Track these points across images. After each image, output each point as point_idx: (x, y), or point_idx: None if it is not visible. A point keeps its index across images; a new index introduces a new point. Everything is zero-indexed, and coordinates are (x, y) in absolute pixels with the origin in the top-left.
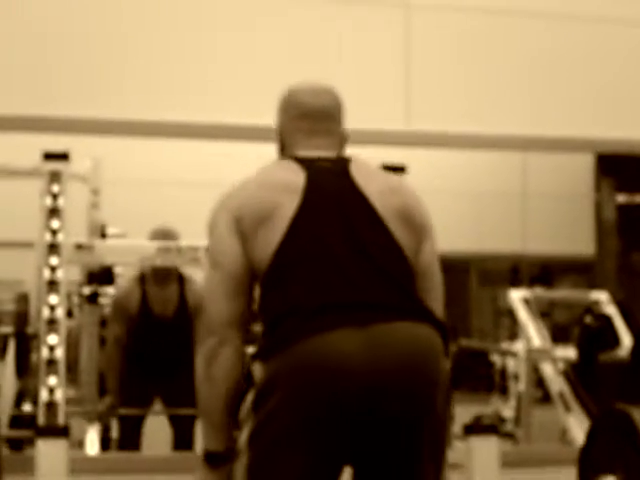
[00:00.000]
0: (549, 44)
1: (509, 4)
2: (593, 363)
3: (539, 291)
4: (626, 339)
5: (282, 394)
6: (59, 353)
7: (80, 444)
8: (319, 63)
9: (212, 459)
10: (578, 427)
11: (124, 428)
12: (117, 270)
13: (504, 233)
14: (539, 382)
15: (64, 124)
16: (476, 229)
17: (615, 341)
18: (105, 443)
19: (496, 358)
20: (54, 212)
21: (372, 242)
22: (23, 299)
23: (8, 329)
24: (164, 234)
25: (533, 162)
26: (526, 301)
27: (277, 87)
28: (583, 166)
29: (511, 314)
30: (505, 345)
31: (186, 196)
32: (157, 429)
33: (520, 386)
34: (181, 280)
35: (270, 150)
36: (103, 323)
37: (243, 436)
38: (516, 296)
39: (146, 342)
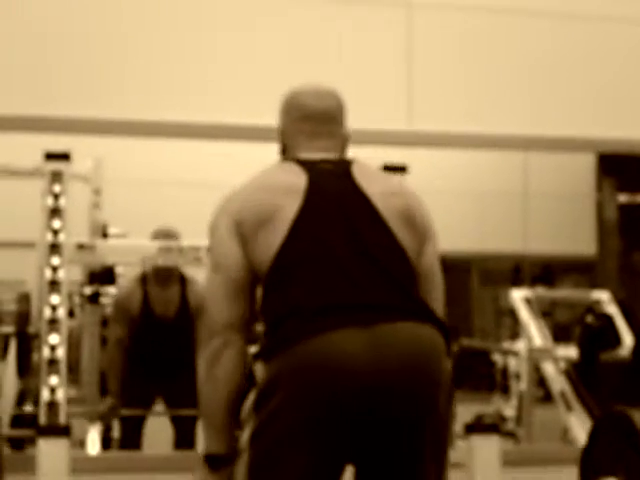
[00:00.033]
0: (551, 44)
1: (511, 3)
2: (594, 362)
3: (540, 291)
4: (627, 338)
5: (284, 394)
6: (60, 353)
7: (81, 444)
8: (320, 63)
9: (213, 461)
10: (579, 426)
11: (125, 428)
12: (118, 270)
13: (506, 233)
14: (540, 381)
15: (65, 124)
16: (477, 229)
17: (616, 340)
18: (106, 443)
19: (498, 357)
20: (55, 212)
21: (374, 243)
22: (24, 299)
23: (9, 329)
24: (165, 234)
25: (534, 162)
26: (527, 301)
27: (277, 87)
28: (585, 166)
29: (512, 314)
30: (507, 344)
31: (187, 196)
32: (158, 429)
33: (521, 385)
34: (183, 281)
35: (271, 150)
36: (104, 323)
37: (245, 436)
38: (517, 296)
39: (147, 343)
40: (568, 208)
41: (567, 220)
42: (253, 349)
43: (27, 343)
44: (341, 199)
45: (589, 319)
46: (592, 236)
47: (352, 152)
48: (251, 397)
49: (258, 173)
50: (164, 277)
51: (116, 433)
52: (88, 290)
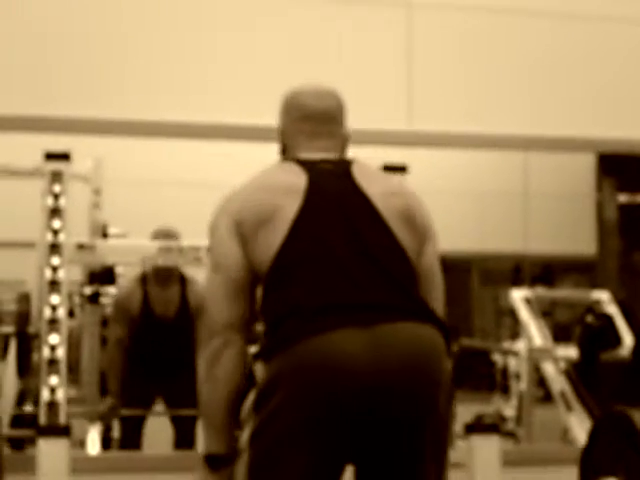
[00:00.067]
0: (550, 44)
1: (511, 3)
2: (594, 362)
3: (541, 290)
4: (627, 338)
5: (284, 394)
6: (60, 353)
7: (81, 444)
8: (320, 63)
9: (213, 461)
10: (579, 426)
11: (125, 428)
12: (118, 270)
13: (506, 233)
14: (540, 381)
15: (65, 124)
16: (478, 229)
17: (616, 340)
18: (106, 443)
19: (498, 357)
20: (55, 212)
21: (375, 243)
22: (24, 299)
23: (9, 329)
24: (165, 234)
25: (535, 162)
26: (528, 300)
27: (278, 87)
28: (585, 166)
29: (513, 313)
30: (507, 344)
31: (187, 196)
32: (158, 429)
33: (521, 385)
34: (183, 281)
35: (271, 150)
36: (104, 323)
37: (245, 435)
38: (518, 296)
39: (147, 343)
40: (568, 208)
41: (567, 220)
42: (253, 349)
43: (27, 343)
44: (341, 199)
45: (589, 319)
46: (592, 236)
47: (352, 152)
48: (251, 397)
49: (258, 173)
50: (164, 277)
51: (116, 433)
52: (88, 290)
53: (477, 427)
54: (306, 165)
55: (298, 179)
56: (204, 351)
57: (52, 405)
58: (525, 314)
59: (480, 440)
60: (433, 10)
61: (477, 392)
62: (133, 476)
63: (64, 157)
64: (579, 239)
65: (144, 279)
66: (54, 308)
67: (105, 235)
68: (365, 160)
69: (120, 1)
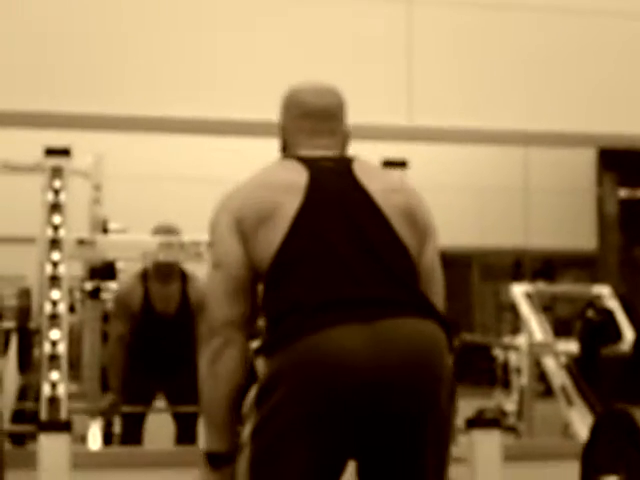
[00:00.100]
0: (550, 38)
1: None
2: (595, 357)
3: (541, 285)
4: (628, 333)
5: (286, 389)
6: (61, 348)
7: (82, 439)
8: (320, 58)
9: (214, 460)
10: (580, 421)
11: (126, 423)
12: (119, 265)
13: (506, 228)
14: (541, 376)
15: (66, 120)
16: (478, 224)
17: (617, 335)
18: (107, 438)
19: (498, 352)
20: (56, 207)
21: (376, 240)
22: (25, 294)
23: (10, 324)
24: (166, 230)
25: (535, 157)
26: (528, 295)
27: (280, 82)
28: (585, 161)
29: (513, 308)
30: (507, 339)
31: (188, 192)
32: (159, 425)
33: (522, 380)
34: (183, 277)
35: (272, 145)
36: (105, 318)
37: (246, 431)
38: (518, 290)
39: (148, 339)
40: (569, 203)
41: (568, 215)
42: (255, 344)
43: (28, 338)
44: (342, 196)
45: (590, 314)
46: (593, 231)
47: (352, 147)
48: (252, 392)
49: (259, 171)
50: (165, 273)
51: (117, 428)
52: (89, 285)
53: (478, 422)
54: (307, 162)
55: (299, 176)
56: (205, 349)
57: (53, 400)
58: (526, 309)
59: (481, 435)
60: (433, 5)
61: (478, 387)
62: (134, 471)
63: (64, 153)
64: (580, 234)
65: (145, 275)
66: (55, 303)
67: (105, 230)
68: (365, 155)
69: None
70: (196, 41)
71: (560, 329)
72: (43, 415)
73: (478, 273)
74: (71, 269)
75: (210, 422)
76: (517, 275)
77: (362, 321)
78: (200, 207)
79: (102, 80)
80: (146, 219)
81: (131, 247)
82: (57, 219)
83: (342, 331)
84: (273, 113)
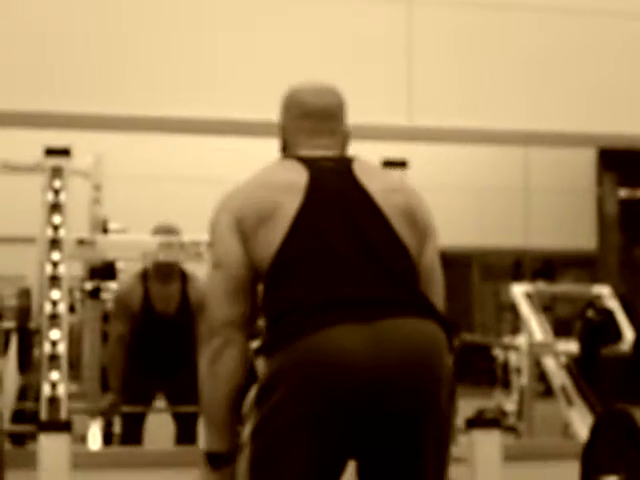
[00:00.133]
0: (554, 38)
1: None
2: (595, 357)
3: (541, 285)
4: (628, 333)
5: (286, 389)
6: (61, 348)
7: (82, 439)
8: (322, 58)
9: (214, 460)
10: (580, 421)
11: (126, 423)
12: (119, 265)
13: (506, 228)
14: (541, 376)
15: (66, 120)
16: (478, 224)
17: (617, 335)
18: (107, 438)
19: (498, 352)
20: (56, 207)
21: (376, 240)
22: (25, 294)
23: (10, 324)
24: (166, 230)
25: (535, 157)
26: (528, 295)
27: (280, 82)
28: (585, 161)
29: (513, 308)
30: (507, 339)
31: (188, 191)
32: (159, 425)
33: (522, 380)
34: (183, 277)
35: (272, 146)
36: (105, 318)
37: (246, 431)
38: (518, 290)
39: (148, 339)
40: (569, 203)
41: (568, 215)
42: (255, 344)
43: (28, 338)
44: (342, 196)
45: (590, 314)
46: (593, 231)
47: (352, 147)
48: (253, 392)
49: (259, 171)
50: (165, 273)
51: (117, 428)
52: (89, 285)
53: (478, 422)
54: (307, 162)
55: (299, 176)
56: (205, 349)
57: (53, 400)
58: (526, 309)
59: (481, 435)
60: (433, 5)
61: (478, 387)
62: (134, 471)
63: (64, 153)
64: (580, 234)
65: (145, 275)
66: (55, 303)
67: (105, 230)
68: (365, 155)
69: None
70: (196, 41)
71: (560, 329)
72: (43, 415)
73: (478, 273)
74: (71, 269)
75: (210, 422)
76: (517, 275)
77: (362, 321)
78: (200, 207)
79: (102, 80)
80: (146, 219)
81: (131, 247)
82: (57, 219)
83: (342, 331)
84: (273, 113)
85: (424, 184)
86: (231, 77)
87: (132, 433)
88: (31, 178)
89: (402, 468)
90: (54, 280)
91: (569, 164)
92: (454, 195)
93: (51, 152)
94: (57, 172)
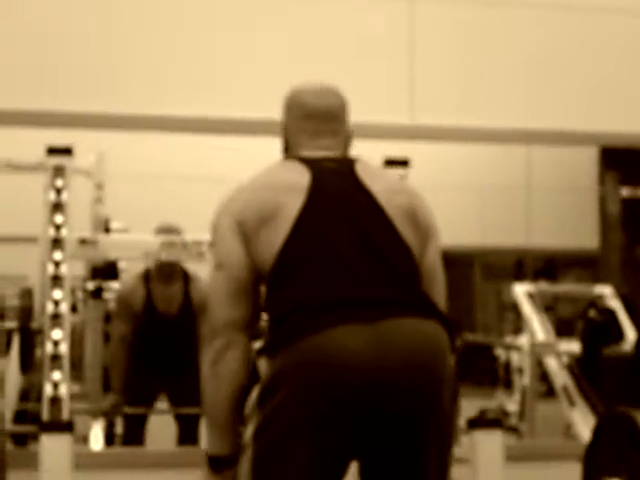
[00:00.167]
0: (555, 35)
1: None
2: (597, 357)
3: (543, 285)
4: (630, 333)
5: (288, 390)
6: (63, 348)
7: (84, 440)
8: (323, 57)
9: (216, 463)
10: (582, 421)
11: (128, 424)
12: (121, 265)
13: (508, 227)
14: (543, 376)
15: (68, 119)
16: (480, 223)
17: (619, 335)
18: (109, 439)
19: (500, 352)
20: (58, 207)
21: (379, 240)
22: (27, 294)
23: (12, 324)
24: (168, 229)
25: (537, 155)
26: (530, 295)
27: (281, 81)
28: (587, 159)
29: (515, 308)
30: (509, 339)
31: (189, 190)
32: (161, 426)
33: (524, 380)
34: (185, 278)
35: (273, 145)
36: (107, 318)
37: (248, 431)
38: (520, 290)
39: (150, 340)
40: (570, 202)
41: (570, 214)
42: (257, 344)
43: (30, 338)
44: (345, 197)
45: (592, 314)
46: (595, 230)
47: (354, 146)
48: (255, 393)
49: (261, 171)
50: (167, 274)
51: (119, 429)
52: (91, 285)
53: (480, 422)
54: (309, 163)
55: (301, 177)
56: (207, 351)
57: (55, 401)
58: (528, 309)
59: (483, 435)
60: (434, 3)
61: (480, 387)
62: (136, 472)
63: (66, 152)
64: (582, 233)
65: (147, 275)
66: (57, 303)
67: (107, 230)
68: (366, 154)
69: None
70: (196, 41)
71: (562, 329)
72: (45, 415)
73: (480, 273)
74: (73, 269)
75: (212, 423)
76: (519, 275)
77: (364, 321)
78: (202, 206)
79: (104, 79)
80: (148, 218)
81: (133, 247)
82: (59, 218)
83: (344, 331)
84: (274, 112)
85: (425, 183)
86: (232, 76)
87: (134, 434)
88: (33, 177)
89: (404, 468)
90: (56, 280)
91: (571, 163)
92: (455, 194)
93: (53, 151)
94: (59, 171)
